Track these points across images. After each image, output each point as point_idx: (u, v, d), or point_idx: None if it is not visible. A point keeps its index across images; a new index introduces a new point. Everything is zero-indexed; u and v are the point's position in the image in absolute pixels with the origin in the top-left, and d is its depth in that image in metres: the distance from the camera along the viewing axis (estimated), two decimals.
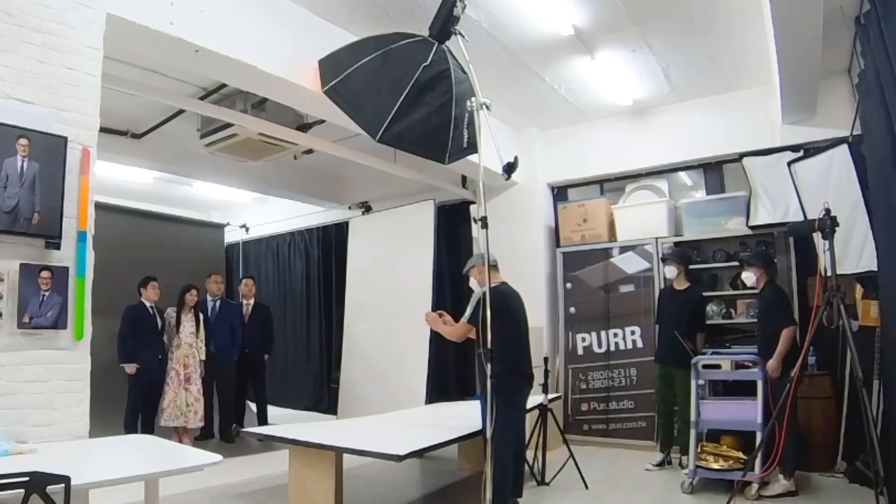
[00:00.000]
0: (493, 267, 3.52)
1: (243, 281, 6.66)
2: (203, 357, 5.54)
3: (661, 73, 4.83)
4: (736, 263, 5.05)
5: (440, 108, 3.17)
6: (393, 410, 5.04)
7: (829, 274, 3.27)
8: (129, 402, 5.25)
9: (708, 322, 4.90)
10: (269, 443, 4.63)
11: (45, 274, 2.36)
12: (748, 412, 3.76)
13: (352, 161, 5.42)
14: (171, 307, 5.57)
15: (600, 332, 5.54)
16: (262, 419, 6.32)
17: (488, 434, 2.49)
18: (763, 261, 4.10)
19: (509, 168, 2.73)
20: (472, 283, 3.62)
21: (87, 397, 2.46)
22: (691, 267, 4.92)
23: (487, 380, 2.50)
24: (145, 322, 5.37)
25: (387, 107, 3.18)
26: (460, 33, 2.90)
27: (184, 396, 5.31)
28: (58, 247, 2.41)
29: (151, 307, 5.43)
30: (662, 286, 5.07)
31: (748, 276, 4.07)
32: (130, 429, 5.08)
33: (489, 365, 2.51)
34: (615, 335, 5.46)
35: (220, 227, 7.69)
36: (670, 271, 4.67)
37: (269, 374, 6.69)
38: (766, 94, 4.77)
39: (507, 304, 3.39)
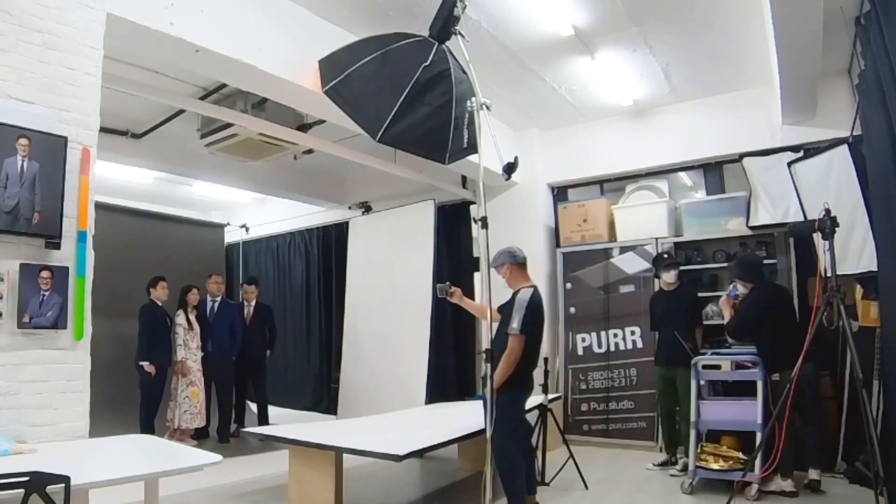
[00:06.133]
0: (522, 265, 3.50)
1: (245, 287, 6.71)
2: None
3: (661, 74, 4.82)
4: None
5: (440, 108, 3.17)
6: (393, 410, 5.04)
7: (829, 274, 3.27)
8: (144, 400, 5.30)
9: (707, 322, 4.88)
10: (269, 443, 4.62)
11: (45, 274, 2.35)
12: (748, 412, 3.76)
13: (352, 161, 5.42)
14: (179, 309, 5.62)
15: (600, 332, 5.54)
16: (263, 419, 6.34)
17: (488, 434, 2.49)
18: (753, 273, 4.00)
19: (509, 168, 2.73)
20: (503, 281, 3.51)
21: (87, 397, 2.46)
22: (690, 267, 4.92)
23: (489, 380, 2.51)
24: (160, 321, 5.45)
25: (387, 107, 3.18)
26: (460, 33, 2.89)
27: (199, 396, 5.46)
28: (58, 247, 2.40)
29: (162, 306, 5.50)
30: (656, 289, 4.99)
31: (739, 289, 4.02)
32: (147, 429, 5.10)
33: (488, 365, 2.50)
34: (615, 335, 5.46)
35: (220, 227, 7.69)
36: (672, 276, 4.62)
37: (269, 374, 6.70)
38: (766, 95, 4.77)
39: (540, 317, 3.44)
